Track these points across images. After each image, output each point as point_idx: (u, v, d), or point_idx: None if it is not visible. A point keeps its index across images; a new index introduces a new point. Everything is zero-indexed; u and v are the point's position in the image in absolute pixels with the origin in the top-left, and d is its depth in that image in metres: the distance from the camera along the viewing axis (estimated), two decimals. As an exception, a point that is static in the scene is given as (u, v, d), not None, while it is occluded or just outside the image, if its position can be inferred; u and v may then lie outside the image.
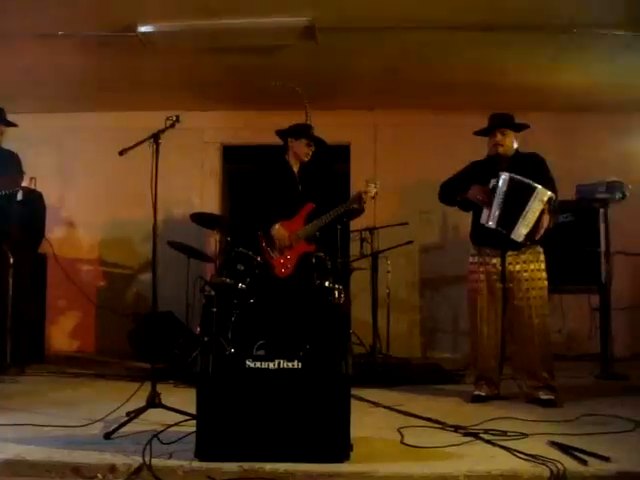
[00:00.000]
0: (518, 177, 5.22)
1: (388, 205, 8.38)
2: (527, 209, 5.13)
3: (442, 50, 6.72)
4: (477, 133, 5.65)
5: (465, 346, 7.98)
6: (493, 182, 5.29)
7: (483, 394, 5.42)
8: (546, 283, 5.39)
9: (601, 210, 6.79)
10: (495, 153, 5.49)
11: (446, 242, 8.59)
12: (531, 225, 5.14)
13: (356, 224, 7.82)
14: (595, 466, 3.52)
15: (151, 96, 8.10)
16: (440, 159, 7.68)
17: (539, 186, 5.15)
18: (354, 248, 8.04)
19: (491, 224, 5.24)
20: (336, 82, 7.74)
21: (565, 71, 7.18)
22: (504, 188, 5.22)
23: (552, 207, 5.19)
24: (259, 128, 7.99)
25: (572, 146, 8.32)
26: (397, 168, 8.57)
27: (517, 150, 5.54)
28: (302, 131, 6.32)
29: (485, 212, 5.29)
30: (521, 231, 5.15)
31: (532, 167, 5.37)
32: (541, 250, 5.41)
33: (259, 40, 6.44)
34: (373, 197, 6.18)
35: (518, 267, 5.34)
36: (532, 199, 5.13)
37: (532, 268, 5.34)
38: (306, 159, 6.30)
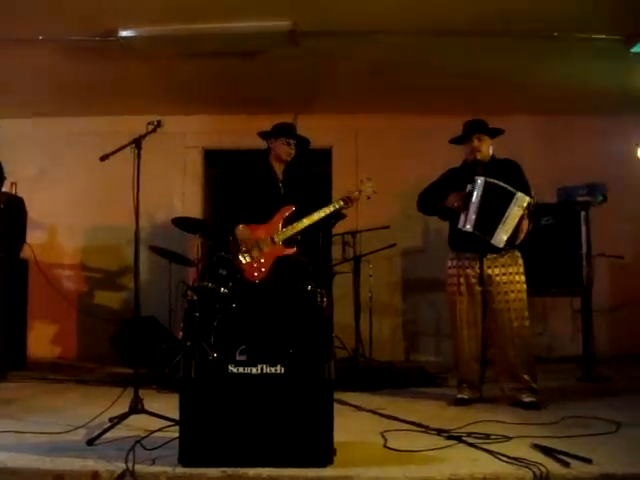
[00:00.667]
0: (494, 180, 5.27)
1: (370, 209, 8.36)
2: (507, 215, 5.19)
3: (424, 54, 6.73)
4: (453, 141, 5.69)
5: (448, 349, 8.00)
6: (469, 187, 5.32)
7: (466, 397, 5.44)
8: (525, 286, 5.42)
9: (582, 212, 6.83)
10: (473, 159, 5.52)
11: (428, 245, 8.61)
12: (511, 230, 5.19)
13: (338, 228, 7.81)
14: (578, 468, 3.53)
15: (133, 101, 8.07)
16: (422, 163, 7.71)
17: (518, 192, 5.20)
18: (336, 252, 8.04)
19: (468, 227, 5.26)
20: (318, 86, 7.74)
21: (546, 75, 7.21)
22: (480, 192, 5.26)
23: (531, 212, 5.25)
24: (241, 132, 7.97)
25: (553, 149, 8.37)
26: (379, 172, 8.47)
27: (493, 156, 5.59)
28: (281, 130, 6.19)
29: (462, 217, 5.32)
30: (501, 237, 5.19)
31: (508, 172, 5.41)
32: (519, 254, 5.46)
33: (241, 45, 6.42)
34: (369, 197, 6.12)
35: (497, 271, 5.37)
36: (512, 205, 5.18)
37: (510, 271, 5.37)
38: (287, 159, 6.16)
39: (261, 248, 5.88)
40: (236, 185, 6.18)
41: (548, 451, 3.80)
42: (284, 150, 6.12)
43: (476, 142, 5.49)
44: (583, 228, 6.83)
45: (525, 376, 5.31)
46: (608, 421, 4.56)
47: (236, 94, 7.71)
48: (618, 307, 8.08)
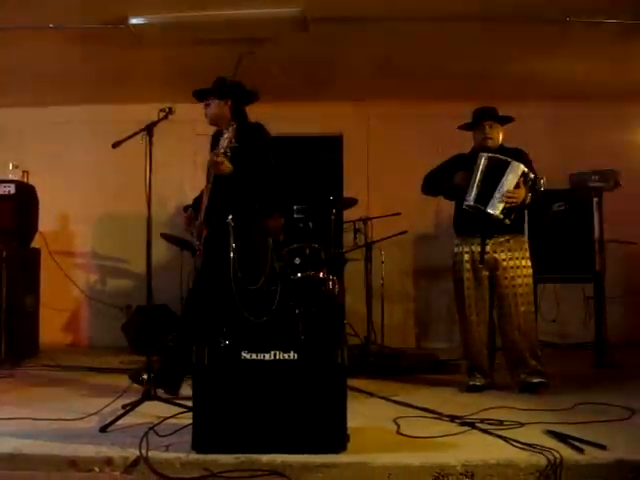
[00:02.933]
0: (497, 155, 5.29)
1: (381, 195, 8.38)
2: (502, 182, 5.17)
3: (434, 40, 6.68)
4: (462, 127, 5.68)
5: (460, 336, 8.01)
6: (475, 165, 5.33)
7: (478, 384, 5.44)
8: (531, 271, 5.42)
9: (595, 199, 6.79)
10: (484, 146, 5.49)
11: (440, 232, 8.56)
12: (507, 199, 5.16)
13: (349, 214, 7.82)
14: (592, 454, 3.55)
15: (143, 88, 8.06)
16: (433, 149, 7.65)
17: (513, 160, 5.21)
18: (348, 239, 8.04)
19: (470, 201, 5.26)
20: (328, 73, 7.71)
21: (558, 60, 7.16)
22: (482, 167, 5.27)
23: (528, 182, 5.21)
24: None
25: (565, 135, 8.32)
26: (390, 158, 8.56)
27: (502, 144, 5.58)
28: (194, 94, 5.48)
29: (467, 193, 5.32)
30: (496, 204, 5.16)
31: (515, 159, 5.33)
32: (525, 239, 5.48)
33: (250, 31, 6.39)
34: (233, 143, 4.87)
35: (503, 255, 5.36)
36: (506, 173, 5.17)
37: (517, 256, 5.37)
38: (209, 122, 5.45)
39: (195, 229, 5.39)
40: None
41: (562, 437, 3.80)
42: (205, 115, 5.46)
43: (488, 129, 5.50)
44: (595, 214, 6.78)
45: (532, 361, 5.32)
46: (621, 407, 4.55)
47: (246, 81, 7.69)
48: (631, 293, 8.04)
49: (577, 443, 3.66)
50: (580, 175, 7.08)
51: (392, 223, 7.43)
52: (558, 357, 5.83)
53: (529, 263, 5.42)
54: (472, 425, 4.18)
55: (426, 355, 7.32)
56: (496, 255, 5.36)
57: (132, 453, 3.57)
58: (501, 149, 5.51)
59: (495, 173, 5.21)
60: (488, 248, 5.37)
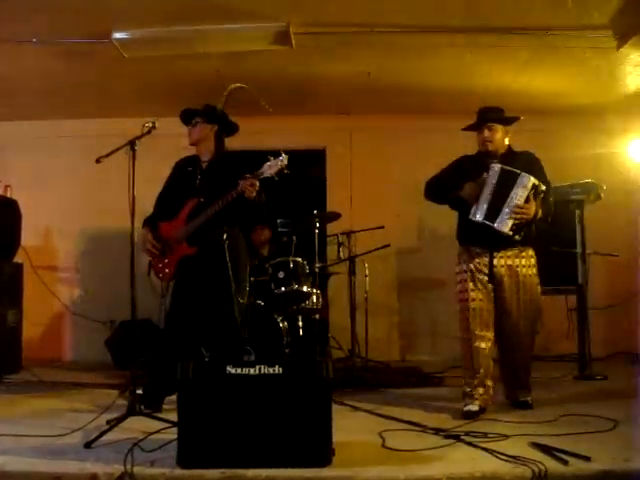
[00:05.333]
0: (509, 168, 4.97)
1: (365, 209, 8.40)
2: (511, 196, 4.87)
3: (418, 54, 6.73)
4: (465, 129, 5.36)
5: (444, 349, 8.03)
6: (485, 175, 5.02)
7: (474, 409, 4.95)
8: (538, 288, 5.21)
9: (577, 211, 6.84)
10: (485, 150, 5.21)
11: (423, 245, 8.62)
12: (515, 215, 4.87)
13: (333, 228, 7.83)
14: (576, 466, 3.56)
15: (127, 103, 8.07)
16: (416, 163, 7.71)
17: (523, 172, 4.90)
18: (331, 252, 8.05)
19: (478, 217, 4.94)
20: (311, 86, 7.73)
21: (538, 73, 7.22)
22: (493, 180, 4.96)
23: (539, 194, 4.94)
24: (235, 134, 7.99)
25: (546, 148, 8.24)
26: (373, 172, 8.59)
27: (510, 147, 5.30)
28: (182, 114, 5.55)
29: (474, 206, 5.00)
30: (505, 220, 4.87)
31: (525, 166, 5.07)
32: (532, 253, 5.18)
33: (234, 46, 6.42)
34: (276, 174, 4.98)
35: (510, 270, 5.07)
36: (516, 186, 4.88)
37: (525, 272, 5.10)
38: (190, 141, 5.49)
39: (171, 247, 5.36)
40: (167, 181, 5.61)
41: (546, 449, 3.82)
42: (189, 134, 5.51)
43: (486, 132, 5.18)
44: (578, 227, 6.84)
45: (524, 376, 5.23)
46: (605, 419, 4.56)
47: (229, 95, 7.69)
48: (613, 305, 8.08)
49: (562, 455, 3.67)
50: (561, 188, 7.11)
51: (375, 236, 7.45)
52: (542, 369, 5.83)
53: (536, 277, 5.17)
54: (457, 438, 4.18)
55: (410, 368, 7.33)
56: (503, 269, 5.07)
57: (117, 469, 3.55)
58: (509, 153, 5.25)
59: (504, 186, 4.90)
60: (495, 262, 5.07)
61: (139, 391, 4.60)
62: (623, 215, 8.05)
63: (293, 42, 6.28)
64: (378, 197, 8.40)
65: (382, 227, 7.46)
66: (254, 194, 4.99)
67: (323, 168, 8.97)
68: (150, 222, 5.51)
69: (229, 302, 5.02)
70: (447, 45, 6.49)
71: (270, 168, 4.97)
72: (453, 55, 6.73)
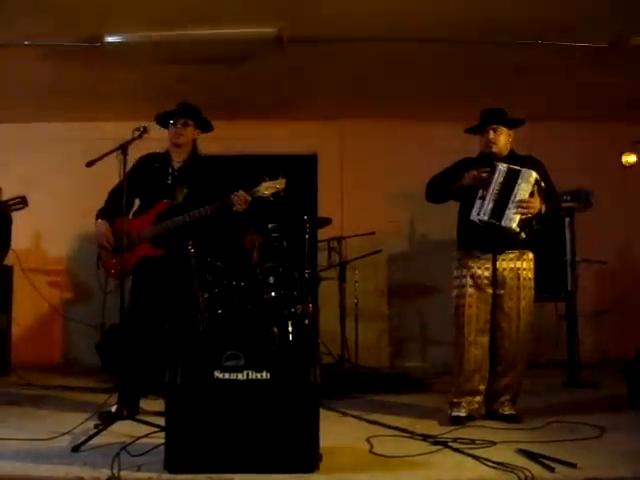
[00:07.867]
0: (516, 167, 4.84)
1: (356, 214, 8.41)
2: (515, 192, 4.73)
3: (410, 60, 6.75)
4: (468, 131, 5.24)
5: (433, 355, 8.06)
6: (489, 172, 4.88)
7: (462, 415, 4.93)
8: (533, 292, 5.07)
9: (567, 218, 6.86)
10: (489, 153, 5.07)
11: (414, 251, 8.63)
12: (521, 210, 4.71)
13: (324, 234, 7.84)
14: (563, 473, 3.57)
15: (118, 107, 8.06)
16: (408, 169, 7.74)
17: (523, 169, 4.80)
18: (322, 258, 8.05)
19: (483, 217, 4.80)
20: (303, 91, 7.73)
21: (530, 81, 7.23)
22: (500, 179, 4.82)
23: (542, 189, 4.83)
24: (226, 138, 7.93)
25: (537, 155, 8.33)
26: (364, 178, 8.59)
27: (512, 150, 5.19)
28: (170, 112, 5.41)
29: (476, 206, 4.86)
30: (512, 216, 4.71)
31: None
32: (532, 256, 5.06)
33: (227, 51, 6.43)
34: (271, 195, 5.12)
35: (512, 274, 4.95)
36: (519, 181, 4.75)
37: (524, 276, 4.99)
38: (177, 142, 5.32)
39: (130, 244, 5.11)
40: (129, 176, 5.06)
41: (533, 456, 3.83)
42: (172, 132, 5.35)
43: (491, 134, 5.05)
44: (568, 234, 6.87)
45: (515, 386, 5.09)
46: (593, 426, 4.58)
47: (221, 100, 7.70)
48: (602, 312, 8.11)
49: (548, 462, 3.68)
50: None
51: (366, 242, 7.47)
52: (530, 376, 5.81)
53: (532, 282, 5.05)
54: (444, 444, 4.18)
55: (400, 374, 7.34)
56: (505, 273, 4.94)
57: (104, 473, 3.54)
58: (512, 156, 5.11)
59: (508, 183, 4.77)
60: (498, 265, 4.92)
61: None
62: (613, 223, 8.07)
63: (286, 47, 6.27)
64: (369, 203, 8.40)
65: (373, 233, 7.48)
66: (242, 209, 5.05)
67: (314, 173, 8.96)
68: (105, 215, 5.31)
69: (194, 296, 5.16)
70: (440, 53, 6.50)
71: (267, 189, 5.08)
72: (445, 62, 6.74)
